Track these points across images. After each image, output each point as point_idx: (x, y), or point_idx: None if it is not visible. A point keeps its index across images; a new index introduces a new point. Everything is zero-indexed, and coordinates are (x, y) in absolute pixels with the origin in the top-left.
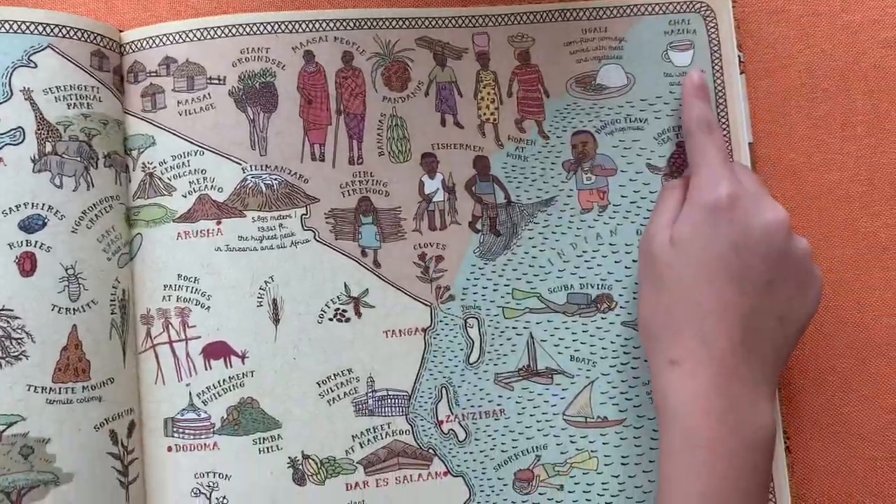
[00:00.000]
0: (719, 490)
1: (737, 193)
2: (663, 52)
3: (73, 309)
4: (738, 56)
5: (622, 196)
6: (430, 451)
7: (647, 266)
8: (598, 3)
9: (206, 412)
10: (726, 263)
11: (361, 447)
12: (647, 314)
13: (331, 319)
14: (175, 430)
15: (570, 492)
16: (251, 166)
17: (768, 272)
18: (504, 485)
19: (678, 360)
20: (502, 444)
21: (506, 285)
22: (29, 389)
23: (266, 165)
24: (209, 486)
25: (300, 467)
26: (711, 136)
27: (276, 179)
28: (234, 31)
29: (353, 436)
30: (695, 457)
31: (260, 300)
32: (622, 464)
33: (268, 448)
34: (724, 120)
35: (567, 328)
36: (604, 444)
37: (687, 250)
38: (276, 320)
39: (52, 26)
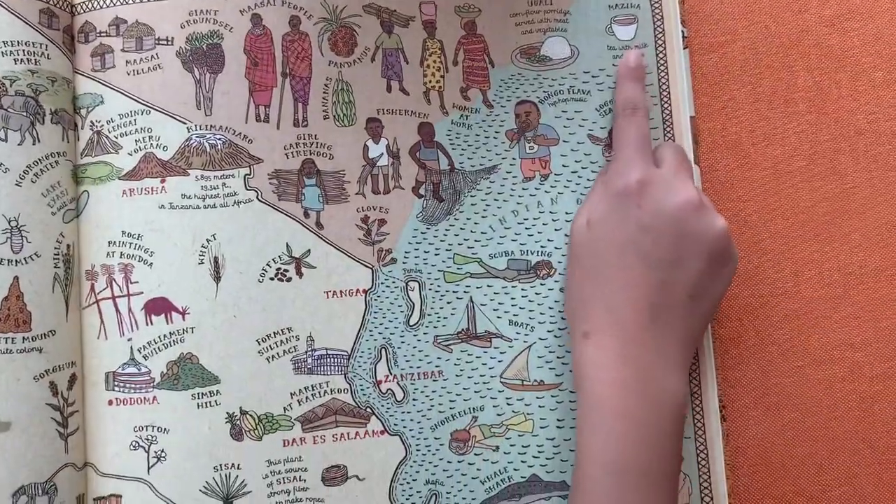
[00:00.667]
0: (632, 457)
1: (647, 179)
2: (607, 25)
3: (16, 261)
4: (682, 31)
5: (563, 166)
6: (368, 409)
7: (569, 249)
8: None
9: (146, 367)
10: (635, 243)
11: (300, 404)
12: (567, 292)
13: (272, 279)
14: (116, 384)
15: (505, 453)
16: (196, 126)
17: (677, 250)
18: (440, 444)
19: (590, 332)
20: (440, 404)
21: (447, 250)
22: None
23: (211, 125)
24: (148, 440)
25: (238, 423)
26: (634, 119)
27: (220, 139)
28: None
29: (291, 393)
30: (605, 425)
31: (202, 258)
32: (557, 427)
33: (206, 403)
34: (665, 94)
35: (506, 293)
36: (539, 407)
37: (599, 232)
38: (217, 278)
39: None
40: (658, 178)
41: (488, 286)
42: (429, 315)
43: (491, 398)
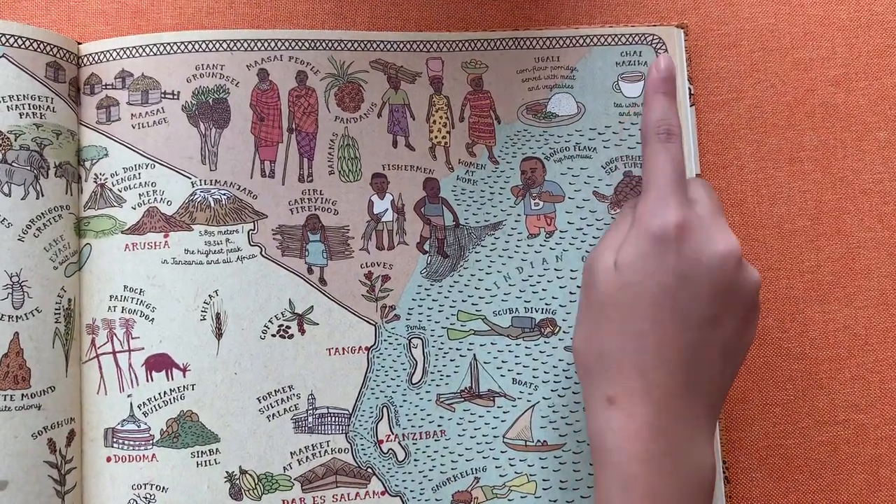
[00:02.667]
0: None
1: (686, 222)
2: (614, 82)
3: (16, 316)
4: (689, 89)
5: (569, 222)
6: (369, 469)
7: (588, 289)
8: (551, 33)
9: (146, 424)
10: (671, 295)
11: (300, 464)
12: (583, 344)
13: (274, 335)
14: (115, 440)
15: None
16: (201, 181)
17: (715, 307)
18: None
19: (615, 397)
20: (441, 464)
21: (451, 307)
22: None
23: (215, 180)
24: (146, 498)
25: (237, 482)
26: (668, 147)
27: (224, 194)
28: (189, 47)
29: (291, 452)
30: (632, 503)
31: (203, 314)
32: (560, 488)
33: (206, 462)
34: None
35: (510, 351)
36: (542, 467)
37: (630, 277)
38: (219, 334)
39: (9, 36)
40: (698, 223)
41: (492, 344)
42: (431, 373)
43: (493, 459)
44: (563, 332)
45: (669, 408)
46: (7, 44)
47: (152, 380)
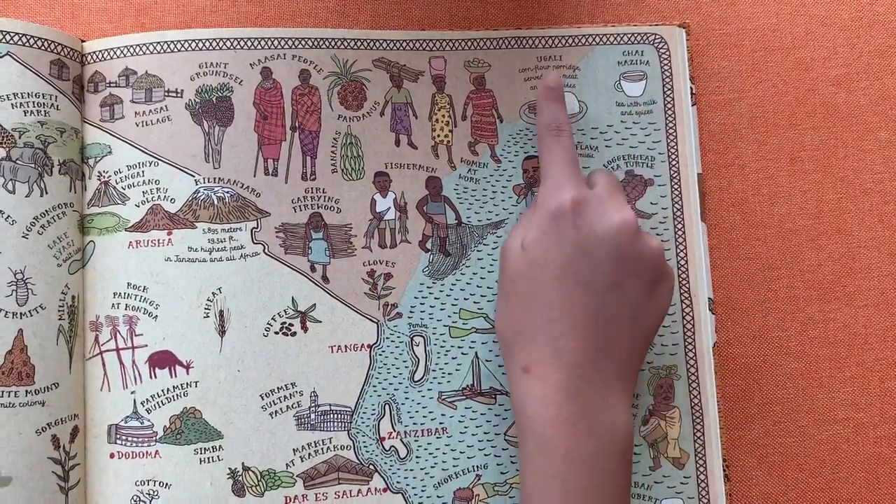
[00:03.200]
0: (579, 497)
1: (581, 198)
2: (616, 81)
3: (20, 313)
4: (691, 88)
5: None
6: (371, 466)
7: (501, 272)
8: (553, 32)
9: (149, 420)
10: (572, 266)
11: (302, 461)
12: (501, 323)
13: (276, 333)
14: (118, 437)
15: None
16: (204, 178)
17: (616, 272)
18: (443, 503)
19: (530, 366)
20: (443, 462)
21: (453, 305)
22: None
23: (219, 178)
24: (149, 494)
25: (240, 479)
26: (559, 140)
27: (228, 192)
28: (193, 45)
29: (294, 449)
30: (551, 466)
31: (207, 311)
32: None
33: (209, 458)
34: (673, 150)
35: None
36: None
37: (534, 254)
38: (222, 332)
39: (13, 34)
40: (593, 199)
41: (493, 342)
42: (433, 371)
43: (495, 456)
44: None
45: (580, 372)
46: (11, 42)
47: (155, 377)
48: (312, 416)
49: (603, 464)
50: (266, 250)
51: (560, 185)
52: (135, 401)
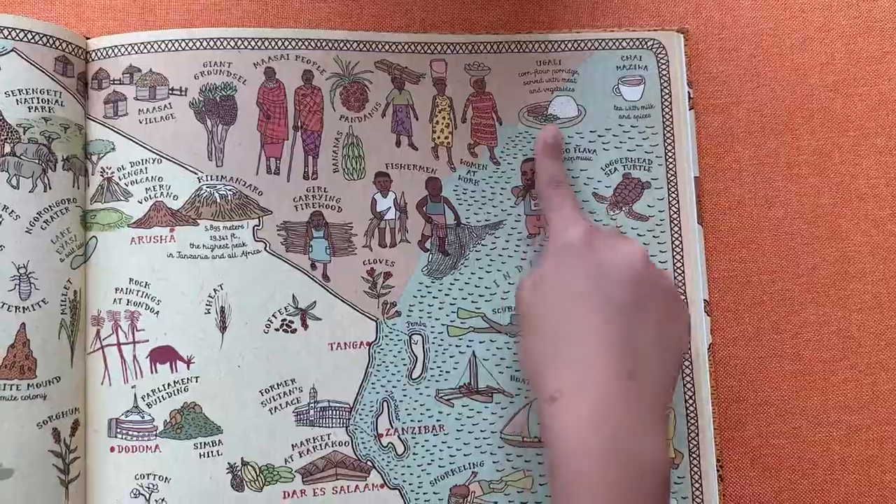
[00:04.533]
0: None
1: (590, 230)
2: (614, 86)
3: (23, 307)
4: (688, 92)
5: None
6: (369, 463)
7: (519, 310)
8: (553, 37)
9: (149, 415)
10: (587, 295)
11: (301, 456)
12: (523, 356)
13: (277, 330)
14: (118, 431)
15: None
16: (207, 176)
17: (631, 295)
18: (440, 499)
19: (557, 394)
20: (440, 459)
21: (451, 304)
22: None
23: (221, 176)
24: (149, 488)
25: (239, 473)
26: (559, 190)
27: (230, 190)
28: (198, 44)
29: (292, 445)
30: (583, 499)
31: (208, 308)
32: None
33: (208, 453)
34: (670, 154)
35: (509, 348)
36: (539, 463)
37: (547, 290)
38: (223, 328)
39: (18, 31)
40: (603, 232)
41: (491, 341)
42: (431, 369)
43: (491, 454)
44: None
45: (609, 397)
46: (17, 38)
47: (156, 372)
48: (311, 412)
49: (637, 496)
50: (267, 248)
51: (567, 222)
52: (135, 395)
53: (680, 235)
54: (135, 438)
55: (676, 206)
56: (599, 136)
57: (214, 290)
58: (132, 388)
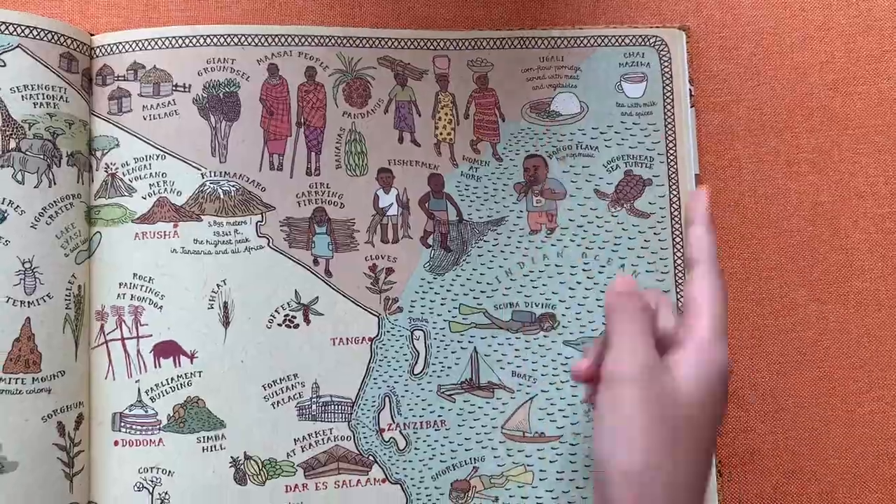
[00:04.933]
0: None
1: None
2: (617, 83)
3: (28, 302)
4: (690, 90)
5: (570, 220)
6: (370, 457)
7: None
8: (555, 33)
9: (153, 409)
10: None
11: (303, 451)
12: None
13: (280, 325)
14: (122, 425)
15: None
16: (210, 172)
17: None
18: (441, 494)
19: None
20: (441, 454)
21: (453, 300)
22: None
23: (225, 172)
24: (152, 482)
25: (242, 467)
26: (720, 281)
27: (233, 186)
28: (201, 41)
29: (295, 439)
30: None
31: (211, 303)
32: (557, 479)
33: (211, 447)
34: (672, 151)
35: (510, 344)
36: (540, 458)
37: (697, 403)
38: (227, 323)
39: (24, 27)
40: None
41: (492, 337)
42: (433, 364)
43: (492, 449)
44: (563, 326)
45: None
46: (22, 34)
47: (160, 366)
48: (314, 406)
49: None
50: (270, 244)
51: (714, 345)
52: (139, 389)
53: (680, 232)
54: (138, 432)
55: (677, 203)
56: (602, 132)
57: (218, 285)
58: (136, 382)
